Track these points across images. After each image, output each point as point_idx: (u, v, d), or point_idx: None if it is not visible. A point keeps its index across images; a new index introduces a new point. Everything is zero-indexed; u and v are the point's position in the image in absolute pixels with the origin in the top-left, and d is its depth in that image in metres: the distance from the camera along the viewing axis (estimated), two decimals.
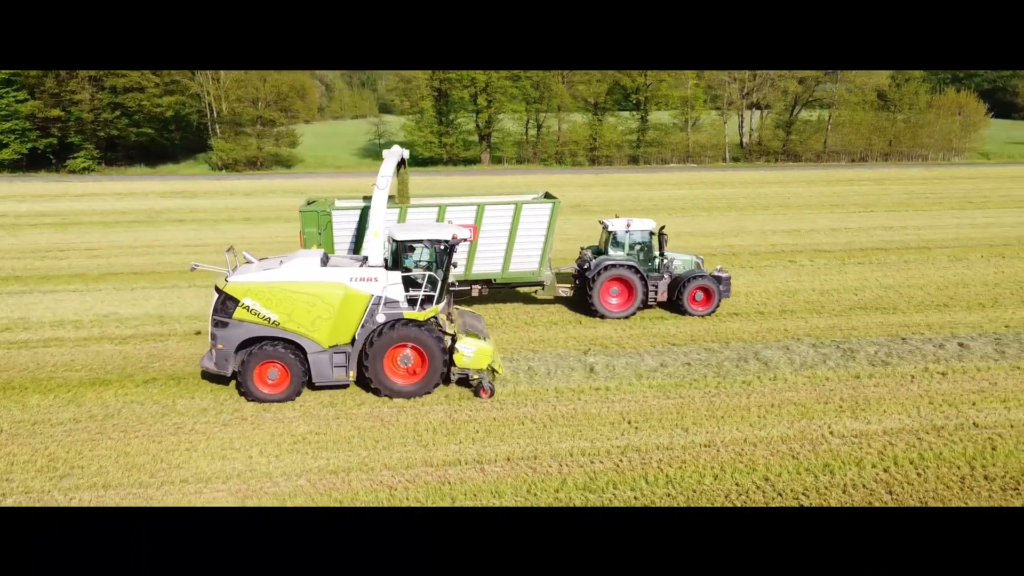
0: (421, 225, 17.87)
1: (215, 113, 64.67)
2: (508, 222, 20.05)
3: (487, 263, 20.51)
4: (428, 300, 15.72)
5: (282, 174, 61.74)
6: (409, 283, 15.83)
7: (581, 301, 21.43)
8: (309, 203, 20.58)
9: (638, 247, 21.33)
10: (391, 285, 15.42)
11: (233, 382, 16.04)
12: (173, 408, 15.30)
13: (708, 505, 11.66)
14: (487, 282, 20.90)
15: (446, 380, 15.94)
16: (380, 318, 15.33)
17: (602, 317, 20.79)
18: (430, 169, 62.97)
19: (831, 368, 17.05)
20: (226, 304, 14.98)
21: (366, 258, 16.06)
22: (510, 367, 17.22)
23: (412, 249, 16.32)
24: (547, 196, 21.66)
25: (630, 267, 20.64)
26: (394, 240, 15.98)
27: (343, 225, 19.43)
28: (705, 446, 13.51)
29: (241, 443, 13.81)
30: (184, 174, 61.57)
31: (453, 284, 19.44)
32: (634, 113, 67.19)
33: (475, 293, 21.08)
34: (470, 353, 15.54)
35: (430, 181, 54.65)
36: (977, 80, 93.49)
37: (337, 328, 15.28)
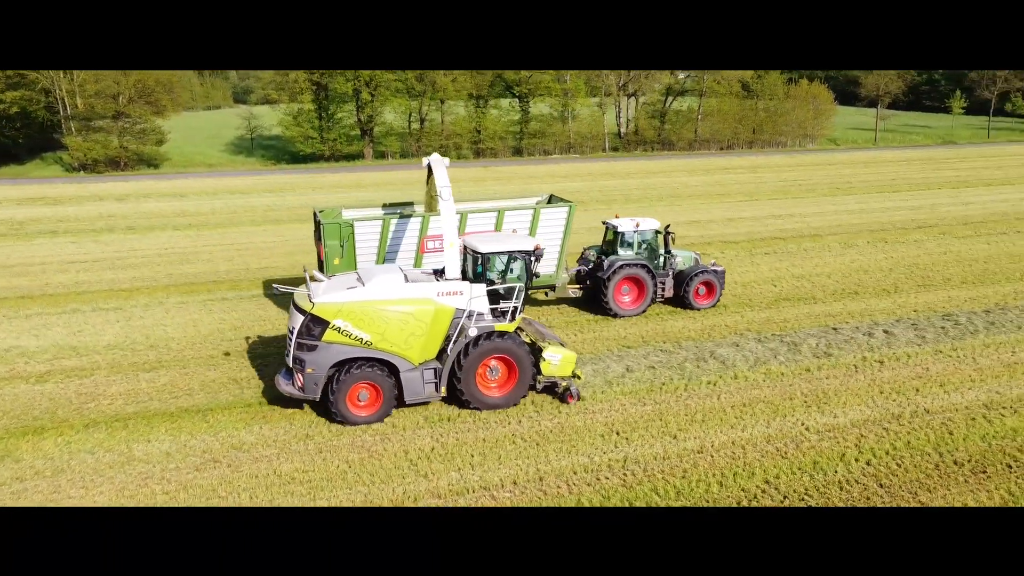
0: (498, 236, 17.63)
1: (67, 109, 59.27)
2: (527, 227, 20.16)
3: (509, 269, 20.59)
4: (514, 310, 15.72)
5: (150, 175, 57.54)
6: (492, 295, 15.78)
7: (586, 301, 22.07)
8: (321, 212, 20.01)
9: (644, 246, 21.82)
10: (476, 298, 15.29)
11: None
12: (131, 455, 14.01)
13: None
14: None
15: (531, 388, 15.96)
16: (472, 331, 15.14)
17: (616, 316, 21.27)
18: (311, 166, 60.79)
19: (782, 363, 17.98)
20: (312, 326, 14.42)
21: (435, 271, 16.23)
22: None
23: (498, 260, 16.27)
24: (552, 199, 22.01)
25: (642, 266, 21.19)
26: (477, 252, 15.82)
27: (366, 237, 18.78)
28: (698, 452, 13.91)
29: (225, 490, 12.84)
30: (35, 176, 56.15)
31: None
32: (514, 103, 67.68)
33: None
34: (556, 361, 15.69)
35: (312, 179, 52.79)
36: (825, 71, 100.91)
37: (428, 344, 15.07)
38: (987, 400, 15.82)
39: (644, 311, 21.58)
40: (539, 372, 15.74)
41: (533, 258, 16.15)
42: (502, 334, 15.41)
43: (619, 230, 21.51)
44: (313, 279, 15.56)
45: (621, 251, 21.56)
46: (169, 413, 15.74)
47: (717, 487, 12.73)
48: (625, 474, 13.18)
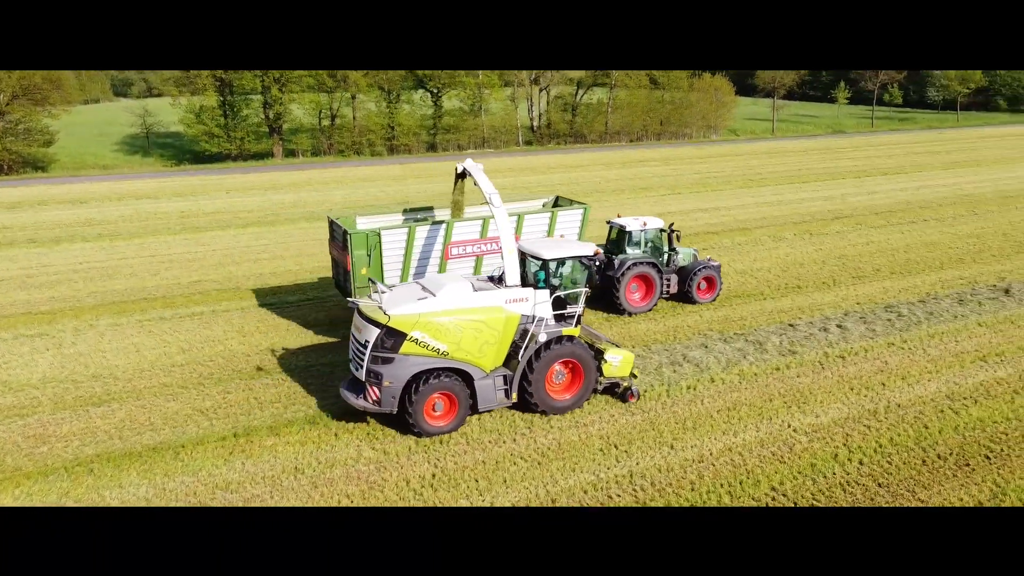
0: (555, 242, 17.51)
1: None
2: (545, 229, 20.37)
3: (497, 269, 20.46)
4: (579, 316, 16.03)
5: (39, 179, 53.49)
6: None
7: (591, 300, 21.64)
8: (338, 220, 19.53)
9: (650, 244, 22.34)
10: (539, 304, 15.48)
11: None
12: (105, 505, 12.89)
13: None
14: None
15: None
16: (542, 337, 15.35)
17: (629, 314, 21.76)
18: (218, 167, 58.06)
19: (752, 363, 18.43)
20: (389, 338, 14.31)
21: (491, 278, 16.36)
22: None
23: (561, 266, 16.36)
24: (559, 200, 22.39)
25: (651, 264, 21.79)
26: (542, 259, 15.92)
27: (392, 245, 18.51)
28: (699, 461, 14.05)
29: None
30: None
31: None
32: (425, 97, 66.80)
33: None
34: (617, 362, 16.11)
35: (222, 181, 50.43)
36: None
37: (498, 352, 15.24)
38: (948, 391, 16.71)
39: (652, 308, 22.20)
40: (601, 374, 16.06)
41: (594, 263, 16.50)
42: (569, 338, 15.67)
43: (627, 229, 21.95)
44: (376, 291, 15.38)
45: (629, 250, 22.05)
46: (136, 453, 14.59)
47: (728, 497, 12.89)
48: (635, 490, 13.15)
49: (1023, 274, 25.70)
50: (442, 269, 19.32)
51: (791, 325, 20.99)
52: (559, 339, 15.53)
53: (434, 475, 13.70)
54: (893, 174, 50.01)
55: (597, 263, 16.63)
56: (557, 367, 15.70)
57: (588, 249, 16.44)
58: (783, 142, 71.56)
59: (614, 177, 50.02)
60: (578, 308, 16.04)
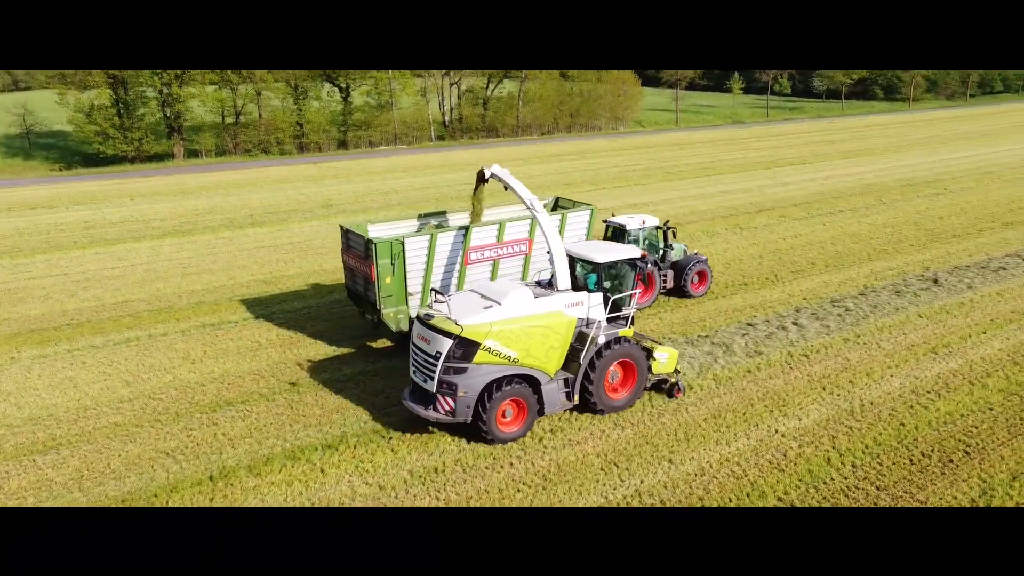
0: (602, 245, 17.69)
1: None
2: (555, 232, 19.72)
3: (541, 273, 20.59)
4: (631, 317, 16.76)
5: None
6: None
7: None
8: (349, 229, 19.43)
9: (647, 242, 22.90)
10: (593, 307, 15.89)
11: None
12: None
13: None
14: None
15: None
16: (601, 339, 15.77)
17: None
18: (115, 170, 54.39)
19: (723, 367, 18.68)
20: (462, 348, 14.42)
21: (538, 283, 16.79)
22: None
23: (613, 269, 16.78)
24: (559, 202, 22.68)
25: (652, 262, 22.33)
26: (594, 263, 16.35)
27: (415, 253, 18.45)
28: (700, 475, 14.09)
29: None
30: None
31: None
32: (333, 92, 64.80)
33: None
34: (664, 359, 16.81)
35: (123, 186, 47.31)
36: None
37: (561, 356, 15.61)
38: (911, 386, 17.45)
39: (652, 304, 22.84)
40: (650, 371, 16.63)
41: (643, 265, 16.85)
42: (625, 339, 16.20)
43: (627, 228, 22.44)
44: (438, 300, 15.56)
45: None
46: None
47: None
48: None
49: (945, 262, 27.26)
50: (462, 275, 19.33)
51: (750, 324, 21.45)
52: (616, 340, 16.03)
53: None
54: (799, 164, 52.21)
55: (643, 264, 17.08)
56: (613, 367, 16.21)
57: (635, 252, 17.01)
58: (688, 133, 73.61)
59: (536, 173, 50.01)
60: (631, 310, 16.71)
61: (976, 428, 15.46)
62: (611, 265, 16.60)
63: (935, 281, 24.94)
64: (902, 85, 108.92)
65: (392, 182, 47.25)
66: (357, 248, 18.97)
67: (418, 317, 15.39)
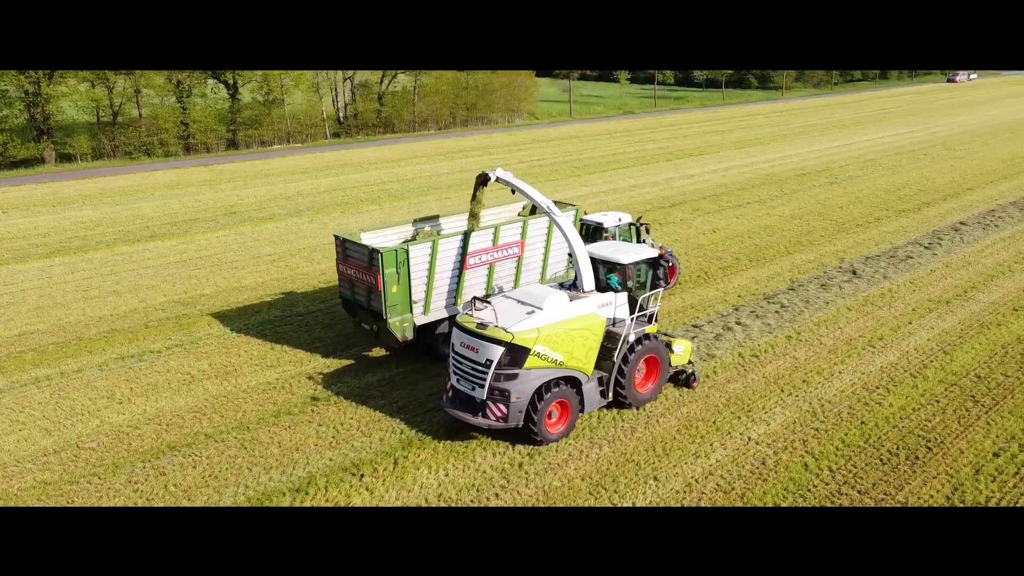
0: (623, 246, 18.43)
1: None
2: (545, 234, 20.86)
3: (531, 275, 21.20)
4: (655, 314, 17.40)
5: None
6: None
7: None
8: (347, 239, 19.06)
9: (622, 238, 23.32)
10: (619, 306, 16.55)
11: None
12: None
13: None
14: None
15: None
16: (631, 337, 16.41)
17: None
18: None
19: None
20: (512, 355, 14.71)
21: (561, 285, 17.37)
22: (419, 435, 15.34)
23: (637, 269, 17.46)
24: (533, 210, 22.28)
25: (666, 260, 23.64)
26: (620, 264, 16.95)
27: (418, 260, 18.38)
28: (688, 491, 14.03)
29: None
30: None
31: None
32: (218, 88, 61.41)
33: None
34: (681, 352, 17.74)
35: None
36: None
37: (595, 355, 16.09)
38: (860, 382, 18.15)
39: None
40: (669, 364, 17.46)
41: (665, 263, 17.63)
42: (651, 336, 16.98)
43: (604, 225, 22.90)
44: (478, 307, 15.75)
45: None
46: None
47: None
48: None
49: (856, 253, 28.66)
50: (461, 281, 19.38)
51: (696, 326, 21.74)
52: (645, 337, 16.76)
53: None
54: (698, 155, 53.72)
55: (665, 263, 17.77)
56: (640, 363, 16.87)
57: (653, 251, 17.66)
58: (583, 125, 74.42)
59: (443, 171, 49.16)
60: (655, 307, 17.42)
61: (930, 422, 16.20)
62: (635, 265, 17.30)
63: (854, 272, 26.15)
64: (774, 75, 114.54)
65: (295, 185, 45.19)
66: (358, 258, 18.68)
67: (459, 326, 15.42)
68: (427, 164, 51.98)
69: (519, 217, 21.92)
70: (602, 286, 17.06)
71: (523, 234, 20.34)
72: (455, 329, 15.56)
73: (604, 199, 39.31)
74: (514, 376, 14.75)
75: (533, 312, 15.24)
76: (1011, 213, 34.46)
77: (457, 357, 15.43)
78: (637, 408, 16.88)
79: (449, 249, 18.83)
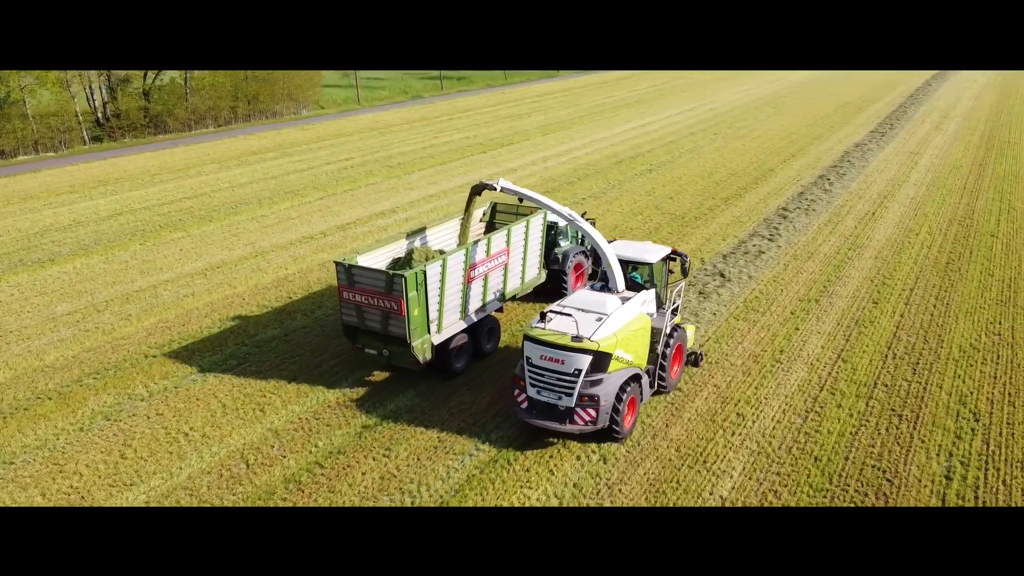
0: (639, 246, 19.25)
1: None
2: (523, 238, 21.57)
3: (514, 280, 21.82)
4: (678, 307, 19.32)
5: None
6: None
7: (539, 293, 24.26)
8: (353, 265, 18.54)
9: (572, 235, 25.07)
10: (649, 302, 17.85)
11: None
12: None
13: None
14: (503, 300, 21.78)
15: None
16: (667, 329, 17.92)
17: None
18: None
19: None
20: (597, 361, 15.61)
21: (590, 286, 18.66)
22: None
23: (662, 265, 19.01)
24: (496, 210, 25.04)
25: (583, 252, 24.92)
26: (647, 263, 18.43)
27: (433, 280, 18.34)
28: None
29: None
30: None
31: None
32: None
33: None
34: (690, 335, 19.69)
35: None
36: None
37: (648, 351, 17.50)
38: (790, 408, 18.04)
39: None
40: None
41: (685, 261, 18.95)
42: (679, 326, 18.80)
43: (558, 225, 24.33)
44: (546, 317, 16.33)
45: (563, 243, 24.74)
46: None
47: None
48: None
49: (711, 251, 29.20)
50: (465, 294, 19.57)
51: None
52: (675, 328, 18.46)
53: None
54: (509, 144, 52.84)
55: (684, 261, 18.93)
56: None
57: (667, 250, 18.91)
58: (376, 114, 70.89)
59: (244, 180, 43.92)
60: (679, 300, 19.25)
61: (873, 448, 16.34)
62: (661, 263, 18.68)
63: (722, 275, 26.49)
64: None
65: (68, 210, 37.93)
66: (372, 284, 18.17)
67: (538, 340, 15.85)
68: (222, 172, 46.27)
69: (503, 223, 23.35)
70: (627, 285, 18.49)
71: (508, 241, 20.92)
72: (531, 343, 15.94)
73: (436, 205, 37.11)
74: (599, 381, 15.72)
75: (602, 319, 16.23)
76: (817, 196, 37.18)
77: (537, 370, 16.01)
78: (669, 392, 18.57)
79: (455, 265, 18.99)
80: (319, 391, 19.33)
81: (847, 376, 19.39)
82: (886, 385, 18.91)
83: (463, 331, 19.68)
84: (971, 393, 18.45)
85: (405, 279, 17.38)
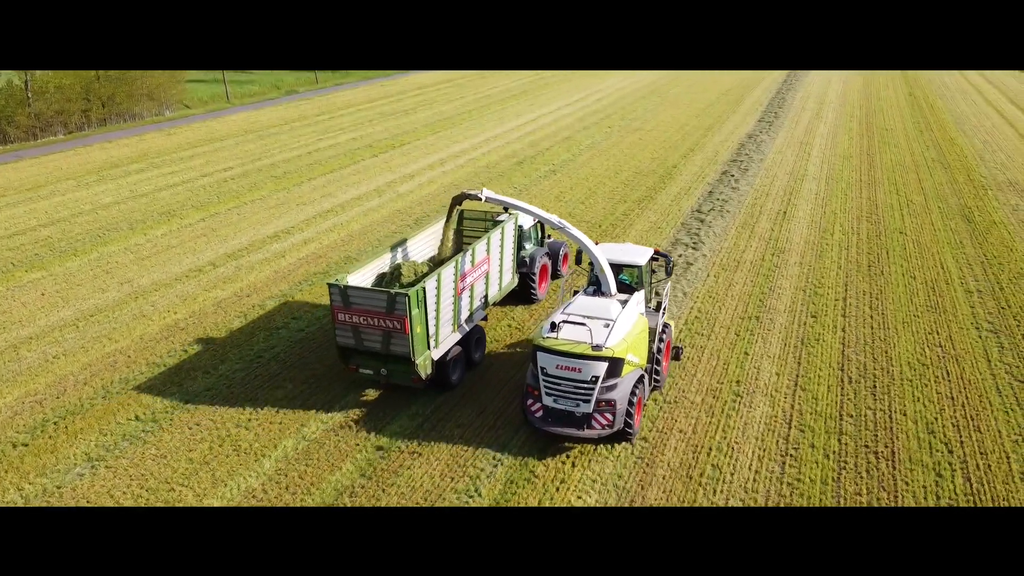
0: (624, 248, 19.61)
1: None
2: (499, 245, 21.68)
3: (494, 287, 21.95)
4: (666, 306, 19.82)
5: None
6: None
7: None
8: (348, 286, 18.16)
9: (534, 237, 25.30)
10: (641, 302, 18.33)
11: None
12: None
13: None
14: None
15: None
16: (659, 328, 18.55)
17: (536, 301, 24.90)
18: None
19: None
20: (613, 367, 16.05)
21: (584, 291, 18.86)
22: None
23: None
24: (463, 216, 24.37)
25: (548, 254, 25.40)
26: (637, 265, 18.78)
27: (432, 295, 18.19)
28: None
29: None
30: None
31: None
32: None
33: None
34: (672, 330, 20.11)
35: None
36: None
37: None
38: (765, 455, 16.95)
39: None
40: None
41: (669, 261, 19.50)
42: (667, 324, 19.52)
43: (524, 227, 24.27)
44: (556, 327, 16.55)
45: (527, 245, 24.73)
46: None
47: None
48: None
49: None
50: (456, 306, 19.48)
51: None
52: (666, 325, 19.27)
53: None
54: (400, 146, 49.97)
55: (669, 261, 19.47)
56: None
57: (649, 250, 19.42)
58: (249, 113, 65.88)
59: (109, 200, 39.02)
60: (667, 299, 20.11)
61: (860, 496, 15.46)
62: (647, 264, 19.06)
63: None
64: None
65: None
66: (372, 304, 17.85)
67: (552, 350, 16.18)
68: (81, 191, 41.04)
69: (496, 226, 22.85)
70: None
71: (488, 249, 20.96)
72: (544, 354, 16.26)
73: (335, 222, 34.16)
74: (615, 386, 16.14)
75: (609, 325, 16.65)
76: (727, 195, 36.89)
77: (552, 379, 16.34)
78: (661, 389, 19.09)
79: (448, 278, 18.88)
80: (241, 477, 16.59)
81: (811, 408, 18.58)
82: (851, 416, 18.22)
83: (457, 343, 19.72)
84: (935, 419, 18.03)
85: (409, 298, 17.22)
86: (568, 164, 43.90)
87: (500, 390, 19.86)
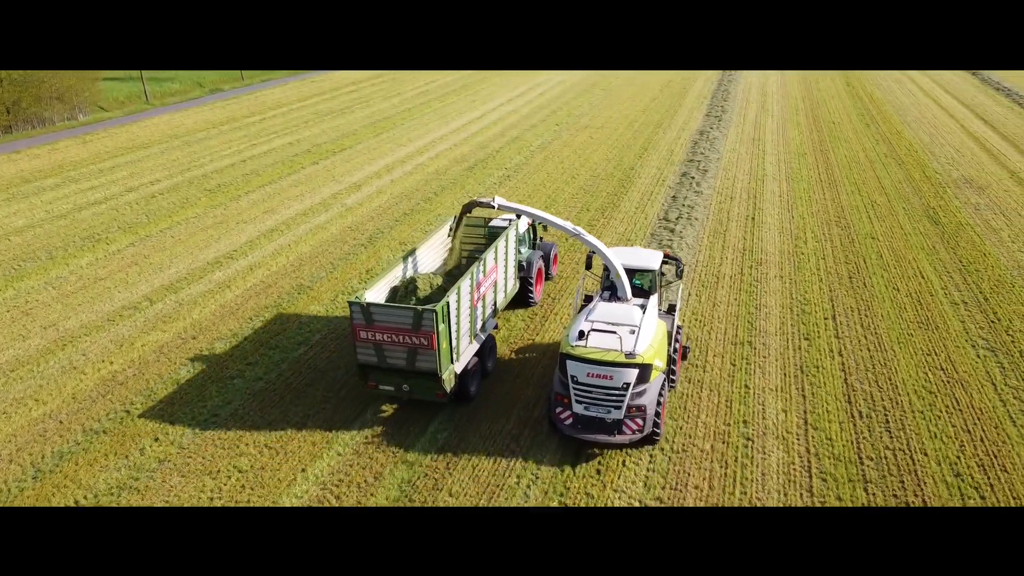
0: (635, 252, 19.81)
1: None
2: (504, 252, 21.52)
3: (500, 294, 21.86)
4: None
5: None
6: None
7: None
8: (371, 303, 17.68)
9: (529, 239, 25.18)
10: (655, 306, 18.57)
11: None
12: None
13: None
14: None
15: None
16: (674, 330, 19.03)
17: (533, 305, 24.74)
18: None
19: None
20: (642, 373, 16.25)
21: (598, 294, 19.54)
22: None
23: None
24: (461, 220, 22.55)
25: (542, 257, 25.18)
26: (652, 269, 19.17)
27: (454, 308, 17.83)
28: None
29: None
30: None
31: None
32: None
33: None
34: (683, 330, 20.90)
35: None
36: None
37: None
38: (786, 490, 15.67)
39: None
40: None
41: (679, 264, 19.77)
42: (680, 325, 19.83)
43: (521, 231, 24.25)
44: (584, 335, 16.71)
45: (523, 250, 24.60)
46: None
47: None
48: None
49: None
50: (473, 316, 19.28)
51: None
52: (679, 328, 19.40)
53: None
54: (342, 151, 47.25)
55: (679, 264, 19.78)
56: None
57: (659, 254, 19.71)
58: (173, 115, 61.72)
59: (21, 222, 35.30)
60: (680, 301, 20.61)
61: None
62: (660, 268, 19.34)
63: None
64: None
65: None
66: (396, 321, 17.55)
67: (582, 358, 16.22)
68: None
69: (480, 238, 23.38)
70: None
71: (496, 257, 20.91)
72: (574, 362, 16.31)
73: (281, 243, 31.57)
74: (644, 392, 16.37)
75: (635, 331, 16.92)
76: (691, 199, 35.70)
77: (583, 387, 16.42)
78: (673, 388, 19.36)
79: (465, 290, 18.72)
80: None
81: (827, 451, 17.42)
82: (871, 459, 17.12)
83: (475, 354, 19.63)
84: (958, 459, 17.10)
85: (436, 314, 17.04)
86: (522, 168, 42.11)
87: (517, 397, 19.93)
